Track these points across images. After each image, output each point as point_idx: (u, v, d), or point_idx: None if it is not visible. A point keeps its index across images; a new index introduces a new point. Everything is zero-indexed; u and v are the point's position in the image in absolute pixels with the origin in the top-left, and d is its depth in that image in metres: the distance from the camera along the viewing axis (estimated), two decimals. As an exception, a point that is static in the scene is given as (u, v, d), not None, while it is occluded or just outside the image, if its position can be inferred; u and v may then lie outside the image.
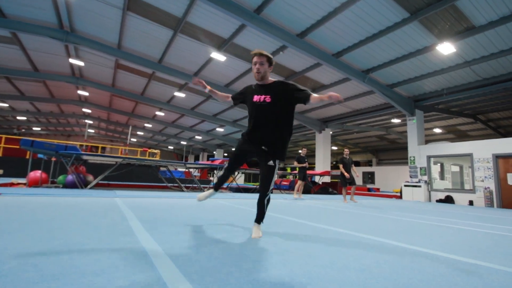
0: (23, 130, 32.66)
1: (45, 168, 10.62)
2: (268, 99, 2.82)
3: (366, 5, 8.50)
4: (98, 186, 10.68)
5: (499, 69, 11.04)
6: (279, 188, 15.98)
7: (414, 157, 14.38)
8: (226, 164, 3.07)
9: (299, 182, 10.17)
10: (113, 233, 2.80)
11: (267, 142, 2.82)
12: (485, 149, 12.09)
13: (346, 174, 9.39)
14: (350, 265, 2.26)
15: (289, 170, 29.79)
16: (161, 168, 16.22)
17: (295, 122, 20.37)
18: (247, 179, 35.07)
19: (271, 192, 3.60)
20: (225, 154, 36.76)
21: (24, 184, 8.72)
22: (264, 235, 3.06)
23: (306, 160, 10.27)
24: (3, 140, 16.32)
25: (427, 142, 18.91)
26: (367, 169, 27.79)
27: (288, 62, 12.29)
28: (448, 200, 12.72)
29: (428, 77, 12.10)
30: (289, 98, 2.84)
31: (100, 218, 3.56)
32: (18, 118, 28.68)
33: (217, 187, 3.34)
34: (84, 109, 24.91)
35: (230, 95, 3.20)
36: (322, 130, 19.52)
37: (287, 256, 2.38)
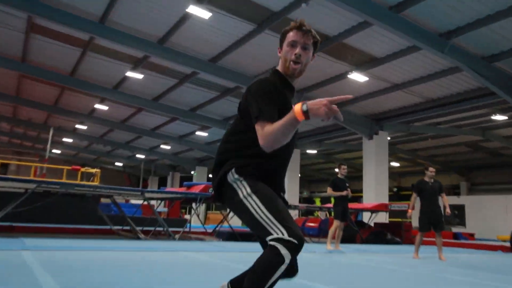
0: None
1: None
2: None
3: None
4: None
5: None
6: (302, 232, 11.68)
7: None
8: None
9: (336, 222, 7.90)
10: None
11: (283, 189, 1.92)
12: None
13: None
14: None
15: (318, 203, 22.96)
16: (103, 200, 12.52)
17: (328, 122, 15.38)
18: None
19: (296, 242, 1.47)
20: (211, 176, 28.48)
21: None
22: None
23: (348, 185, 8.00)
24: None
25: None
26: (453, 200, 18.40)
27: (316, 21, 8.81)
28: None
29: None
30: None
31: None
32: None
33: None
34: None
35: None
36: (374, 134, 14.32)
37: None
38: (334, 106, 1.42)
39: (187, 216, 16.41)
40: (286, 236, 1.46)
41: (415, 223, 17.36)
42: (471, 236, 15.18)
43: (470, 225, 18.73)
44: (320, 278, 4.05)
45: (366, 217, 13.14)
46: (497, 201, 18.53)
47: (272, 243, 1.46)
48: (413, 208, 7.04)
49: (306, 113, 1.41)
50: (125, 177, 33.44)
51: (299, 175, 19.53)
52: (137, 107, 16.52)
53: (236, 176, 1.65)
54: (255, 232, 1.62)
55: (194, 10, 8.61)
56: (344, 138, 18.35)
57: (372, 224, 12.43)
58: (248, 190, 1.61)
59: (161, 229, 9.46)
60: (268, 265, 1.44)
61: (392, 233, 11.72)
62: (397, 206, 12.36)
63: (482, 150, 19.81)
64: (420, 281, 4.32)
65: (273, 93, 1.67)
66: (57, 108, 17.55)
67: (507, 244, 10.88)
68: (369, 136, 14.35)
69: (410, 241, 12.00)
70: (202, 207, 20.23)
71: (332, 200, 8.21)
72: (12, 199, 7.32)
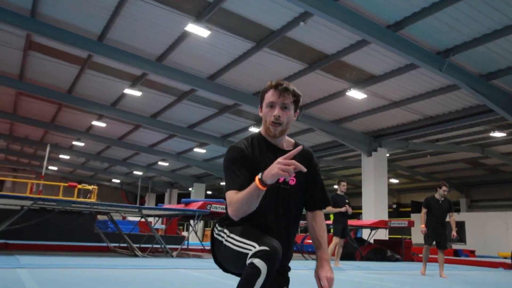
0: None
1: None
2: (291, 180, 1.77)
3: None
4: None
5: None
6: (301, 250, 11.21)
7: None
8: None
9: (336, 239, 7.63)
10: None
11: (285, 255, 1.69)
12: None
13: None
14: None
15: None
16: (100, 217, 12.31)
17: (327, 138, 15.47)
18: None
19: (268, 249, 1.47)
20: (209, 192, 27.26)
21: None
22: None
23: (347, 201, 7.72)
24: None
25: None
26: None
27: (315, 39, 8.73)
28: None
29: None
30: (309, 185, 1.84)
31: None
32: None
33: None
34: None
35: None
36: (372, 151, 14.05)
37: None
38: (291, 161, 1.40)
39: (185, 233, 16.07)
40: (257, 247, 1.45)
41: (415, 240, 16.80)
42: (471, 253, 14.80)
43: (471, 242, 18.21)
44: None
45: (365, 234, 12.80)
46: (497, 218, 18.08)
47: (248, 261, 1.44)
48: (425, 223, 6.88)
49: (261, 180, 1.42)
50: (122, 194, 32.74)
51: (298, 192, 19.32)
52: (135, 124, 16.27)
53: (219, 228, 1.74)
54: (243, 267, 1.54)
55: (192, 28, 8.37)
56: (343, 155, 18.05)
57: (372, 241, 12.08)
58: (227, 232, 1.65)
59: (158, 246, 9.12)
60: (246, 280, 1.42)
61: (392, 250, 11.38)
62: (397, 222, 12.05)
63: (481, 167, 19.53)
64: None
65: (241, 160, 1.65)
66: (54, 125, 17.41)
67: (508, 261, 10.58)
68: (368, 153, 14.09)
69: (410, 258, 11.73)
70: (200, 224, 19.77)
71: (331, 217, 7.96)
72: (7, 216, 7.10)
